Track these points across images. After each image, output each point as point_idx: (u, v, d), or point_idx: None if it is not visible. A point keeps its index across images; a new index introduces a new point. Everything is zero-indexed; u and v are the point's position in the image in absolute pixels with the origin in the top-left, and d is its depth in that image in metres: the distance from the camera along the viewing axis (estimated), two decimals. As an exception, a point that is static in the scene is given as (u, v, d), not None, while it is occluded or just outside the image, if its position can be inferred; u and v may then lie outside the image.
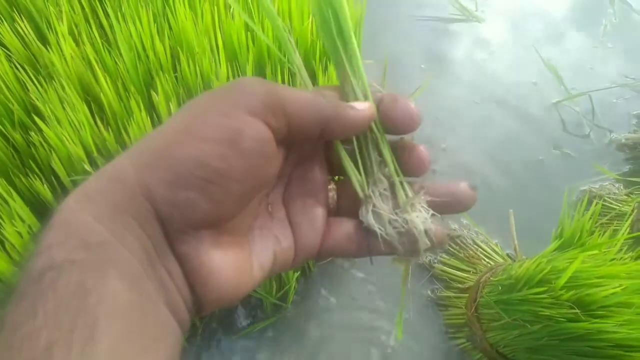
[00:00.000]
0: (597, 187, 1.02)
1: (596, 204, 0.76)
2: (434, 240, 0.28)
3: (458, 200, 0.29)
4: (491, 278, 0.79)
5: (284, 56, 0.31)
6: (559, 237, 0.72)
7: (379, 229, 0.28)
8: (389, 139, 0.30)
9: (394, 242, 0.29)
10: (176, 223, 0.23)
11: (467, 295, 0.82)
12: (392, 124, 0.29)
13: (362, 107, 0.28)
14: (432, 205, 0.29)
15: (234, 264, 0.25)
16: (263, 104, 0.24)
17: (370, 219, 0.28)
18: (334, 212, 0.31)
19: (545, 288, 0.63)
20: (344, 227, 0.30)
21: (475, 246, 0.90)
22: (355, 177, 0.29)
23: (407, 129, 0.29)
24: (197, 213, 0.23)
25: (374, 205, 0.29)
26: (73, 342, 0.19)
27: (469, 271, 0.87)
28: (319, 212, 0.29)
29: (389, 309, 0.87)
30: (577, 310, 0.60)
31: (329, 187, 0.31)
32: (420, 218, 0.28)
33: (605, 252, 0.67)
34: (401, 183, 0.30)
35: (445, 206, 0.29)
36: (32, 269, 0.20)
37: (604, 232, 0.77)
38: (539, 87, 1.22)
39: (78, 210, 0.22)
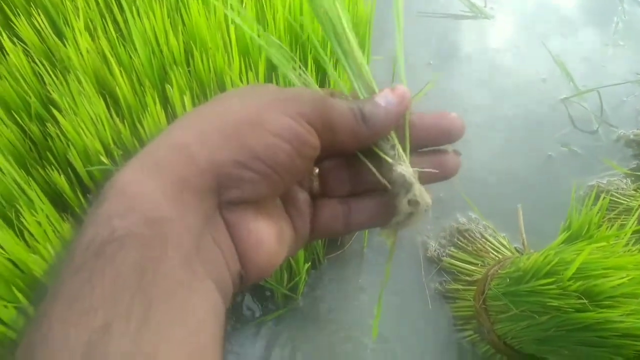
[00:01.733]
0: (605, 182, 1.02)
1: (604, 198, 0.77)
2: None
3: (448, 130, 0.31)
4: (499, 271, 0.80)
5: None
6: (567, 229, 0.72)
7: (409, 213, 0.29)
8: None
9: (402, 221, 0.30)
10: (230, 196, 0.25)
11: (475, 287, 0.83)
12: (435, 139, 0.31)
13: (395, 101, 0.29)
14: (423, 141, 0.31)
15: (274, 233, 0.27)
16: (320, 118, 0.26)
17: (405, 206, 0.29)
18: (317, 192, 0.32)
19: (553, 279, 0.64)
20: (330, 207, 0.32)
21: (483, 240, 0.91)
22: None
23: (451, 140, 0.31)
24: (255, 192, 0.25)
25: (413, 194, 0.29)
26: (129, 322, 0.19)
27: (476, 264, 0.88)
28: (302, 197, 0.31)
29: (398, 302, 0.88)
30: (585, 301, 0.61)
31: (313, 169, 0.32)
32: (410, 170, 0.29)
33: (612, 244, 0.68)
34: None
35: (436, 136, 0.31)
36: (90, 240, 0.21)
37: (612, 225, 0.78)
38: (548, 83, 1.23)
39: (142, 182, 0.23)
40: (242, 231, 0.26)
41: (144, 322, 0.19)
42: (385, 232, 0.31)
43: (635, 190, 0.99)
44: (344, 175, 0.32)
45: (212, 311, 0.23)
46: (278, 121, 0.25)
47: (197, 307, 0.22)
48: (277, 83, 0.80)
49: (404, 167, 0.29)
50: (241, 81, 0.77)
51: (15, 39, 0.79)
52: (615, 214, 0.93)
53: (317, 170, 0.32)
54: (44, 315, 0.19)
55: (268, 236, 0.27)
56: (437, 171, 0.31)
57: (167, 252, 0.21)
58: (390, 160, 0.29)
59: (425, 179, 0.30)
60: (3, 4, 0.86)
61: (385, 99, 0.29)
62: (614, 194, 0.97)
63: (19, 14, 0.81)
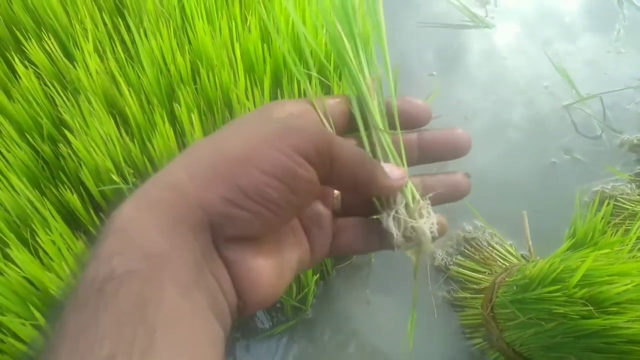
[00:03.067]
0: (610, 187, 1.03)
1: (608, 204, 0.77)
2: (438, 236, 0.32)
3: (455, 146, 0.33)
4: (506, 278, 0.80)
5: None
6: (572, 236, 0.73)
7: (396, 233, 0.31)
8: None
9: (403, 244, 0.32)
10: (227, 234, 0.26)
11: (482, 295, 0.84)
12: (405, 122, 0.33)
13: (396, 177, 0.31)
14: (431, 156, 0.33)
15: (274, 268, 0.28)
16: (316, 151, 0.26)
17: (390, 223, 0.31)
18: (339, 212, 0.33)
19: (559, 286, 0.64)
20: (351, 226, 0.33)
21: (490, 248, 0.92)
22: None
23: (420, 124, 0.34)
24: (249, 229, 0.26)
25: (396, 212, 0.31)
26: (133, 352, 0.20)
27: (484, 272, 0.88)
28: (325, 215, 0.32)
29: (406, 313, 0.89)
30: (591, 307, 0.61)
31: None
32: (427, 224, 0.31)
33: (617, 250, 0.69)
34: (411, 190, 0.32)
35: (444, 151, 0.33)
36: (93, 277, 0.22)
37: (617, 231, 0.78)
38: (550, 90, 1.24)
39: (139, 220, 0.24)
40: (239, 269, 0.26)
41: (148, 350, 0.20)
42: (404, 250, 0.33)
43: (639, 195, 0.99)
44: (362, 196, 0.33)
45: (212, 341, 0.24)
46: (268, 158, 0.25)
47: (199, 337, 0.23)
48: (282, 99, 0.81)
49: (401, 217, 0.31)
50: (247, 98, 0.79)
51: (26, 62, 0.82)
52: (620, 220, 0.93)
53: (337, 192, 0.33)
54: (52, 350, 0.20)
55: (267, 273, 0.27)
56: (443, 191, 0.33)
57: (166, 285, 0.22)
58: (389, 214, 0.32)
59: (436, 201, 0.32)
60: (14, 28, 0.88)
61: (389, 168, 0.31)
62: (619, 199, 0.97)
63: (29, 38, 0.84)
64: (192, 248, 0.24)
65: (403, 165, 0.33)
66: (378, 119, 0.33)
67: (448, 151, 0.33)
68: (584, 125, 1.17)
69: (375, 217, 0.33)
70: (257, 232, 0.26)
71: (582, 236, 0.72)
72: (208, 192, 0.25)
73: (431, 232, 0.31)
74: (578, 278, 0.62)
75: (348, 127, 0.34)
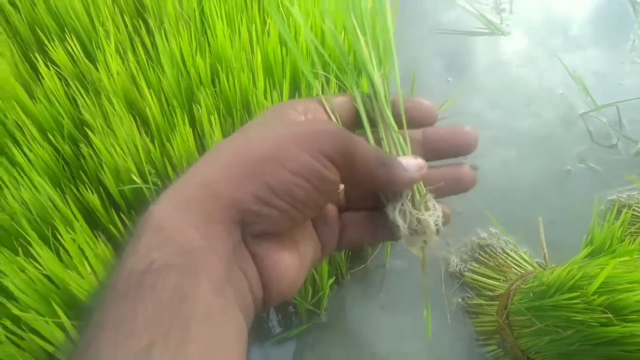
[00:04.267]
0: (625, 196, 1.03)
1: (626, 213, 0.77)
2: (442, 228, 0.32)
3: (461, 143, 0.33)
4: (522, 285, 0.80)
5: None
6: (590, 244, 0.73)
7: (402, 226, 0.31)
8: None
9: (408, 238, 0.32)
10: (255, 231, 0.27)
11: (497, 302, 0.84)
12: (411, 122, 0.34)
13: (415, 169, 0.31)
14: (438, 153, 0.33)
15: (296, 262, 0.29)
16: (340, 154, 0.27)
17: (397, 216, 0.32)
18: (342, 207, 0.34)
19: (577, 294, 0.64)
20: (356, 221, 0.34)
21: (504, 255, 0.92)
22: None
23: (426, 124, 0.34)
24: (276, 226, 0.27)
25: (402, 204, 0.32)
26: (169, 343, 0.21)
27: (499, 279, 0.88)
28: (332, 210, 0.33)
29: (419, 319, 0.89)
30: (610, 315, 0.61)
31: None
32: (433, 217, 0.31)
33: (636, 259, 0.68)
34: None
35: (449, 149, 0.33)
36: (131, 270, 0.23)
37: (634, 240, 0.78)
38: (565, 98, 1.23)
39: (176, 217, 0.25)
40: (266, 263, 0.27)
41: (183, 342, 0.21)
42: (410, 246, 0.33)
43: (656, 204, 0.99)
44: (368, 190, 0.34)
45: (239, 336, 0.24)
46: (297, 159, 0.26)
47: (229, 331, 0.24)
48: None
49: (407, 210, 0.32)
50: (266, 99, 0.79)
51: (49, 63, 0.83)
52: (636, 229, 0.93)
53: (342, 187, 0.34)
54: (92, 339, 0.21)
55: (291, 266, 0.29)
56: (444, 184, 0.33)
57: (201, 280, 0.23)
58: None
59: (441, 193, 0.33)
60: (38, 29, 0.89)
61: (406, 161, 0.31)
62: (635, 208, 0.97)
63: (52, 39, 0.85)
64: (225, 244, 0.25)
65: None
66: (389, 114, 0.33)
67: (454, 148, 0.34)
68: (599, 134, 1.17)
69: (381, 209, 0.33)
70: (283, 229, 0.28)
71: (599, 244, 0.72)
72: (240, 191, 0.26)
73: (436, 225, 0.31)
74: (597, 285, 0.62)
75: (354, 124, 0.35)
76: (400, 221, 0.31)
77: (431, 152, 0.34)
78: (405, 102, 0.34)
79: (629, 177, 1.05)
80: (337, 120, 0.33)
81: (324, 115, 0.33)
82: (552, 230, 0.96)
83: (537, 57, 1.33)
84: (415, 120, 0.34)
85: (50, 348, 0.58)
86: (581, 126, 1.18)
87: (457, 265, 0.93)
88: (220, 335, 0.23)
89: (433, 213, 0.32)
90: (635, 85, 1.27)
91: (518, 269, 0.89)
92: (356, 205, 0.34)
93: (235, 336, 0.24)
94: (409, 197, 0.32)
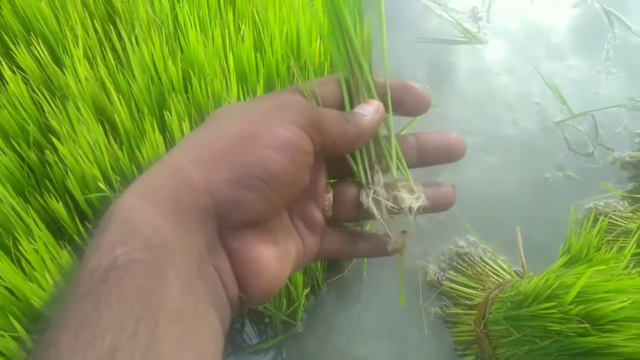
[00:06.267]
0: (602, 204, 1.03)
1: (602, 221, 0.77)
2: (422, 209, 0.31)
3: (451, 149, 0.33)
4: (499, 294, 0.79)
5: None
6: (567, 252, 0.72)
7: (377, 213, 0.31)
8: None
9: (387, 225, 0.31)
10: (231, 220, 0.25)
11: (475, 312, 0.82)
12: (403, 108, 0.32)
13: (370, 112, 0.30)
14: (428, 159, 0.33)
15: (277, 257, 0.28)
16: (310, 122, 0.27)
17: (370, 203, 0.31)
18: (330, 217, 0.33)
19: (554, 303, 0.63)
20: (338, 231, 0.33)
21: (482, 263, 0.91)
22: (358, 165, 0.32)
23: (418, 112, 0.33)
24: (253, 212, 0.25)
25: (374, 192, 0.31)
26: (136, 346, 0.19)
27: (477, 288, 0.87)
28: (318, 217, 0.32)
29: (396, 329, 0.87)
30: (587, 325, 0.60)
31: (328, 192, 0.33)
32: (410, 199, 0.31)
33: (612, 267, 0.68)
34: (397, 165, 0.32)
35: (440, 155, 0.33)
36: (95, 267, 0.21)
37: (611, 248, 0.78)
38: (541, 106, 1.24)
39: (142, 208, 0.23)
40: (244, 257, 0.26)
41: (151, 344, 0.19)
42: (393, 251, 0.33)
43: (632, 212, 0.99)
44: (354, 204, 0.33)
45: (213, 336, 0.23)
46: (270, 133, 0.26)
47: (201, 331, 0.22)
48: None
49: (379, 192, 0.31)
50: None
51: (14, 68, 0.80)
52: (613, 237, 0.93)
53: (331, 194, 0.33)
54: (51, 344, 0.19)
55: (271, 261, 0.27)
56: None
57: (170, 277, 0.21)
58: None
59: (423, 212, 0.32)
60: (3, 33, 0.87)
61: (362, 109, 0.31)
62: (612, 216, 0.97)
63: (18, 43, 0.82)
64: (197, 238, 0.24)
65: (403, 167, 0.32)
66: (362, 62, 0.32)
67: (444, 155, 0.33)
68: (576, 142, 1.17)
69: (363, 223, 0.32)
70: (260, 215, 0.26)
71: (576, 252, 0.72)
72: (213, 174, 0.24)
73: (414, 206, 0.31)
74: (574, 295, 0.61)
75: (339, 106, 0.33)
76: (374, 208, 0.31)
77: (424, 158, 0.33)
78: (396, 84, 0.32)
79: (605, 185, 1.05)
80: (318, 101, 0.31)
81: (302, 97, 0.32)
82: (530, 238, 0.96)
83: (514, 66, 1.34)
84: (406, 106, 0.33)
85: (8, 365, 0.56)
86: (558, 134, 1.19)
87: (435, 274, 0.92)
88: (192, 336, 0.21)
89: (411, 197, 0.31)
90: (612, 93, 1.27)
91: (496, 277, 0.88)
92: (343, 217, 0.33)
93: (208, 337, 0.22)
94: (382, 183, 0.31)
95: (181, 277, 0.22)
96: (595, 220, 0.91)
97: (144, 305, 0.20)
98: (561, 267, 0.70)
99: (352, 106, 0.32)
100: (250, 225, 0.26)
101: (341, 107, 0.32)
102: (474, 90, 1.28)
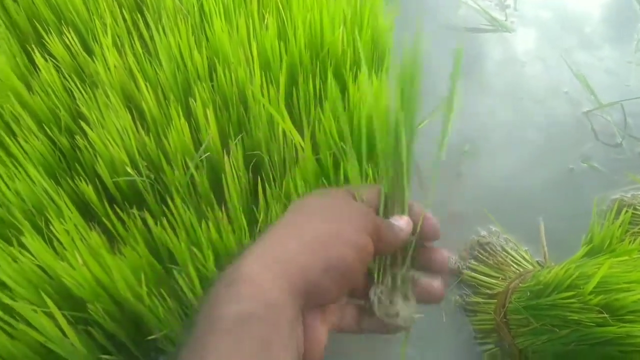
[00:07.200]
0: (629, 196, 1.01)
1: (626, 212, 0.76)
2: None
3: (429, 293, 0.40)
4: (520, 284, 0.79)
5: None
6: (589, 243, 0.72)
7: (376, 303, 0.38)
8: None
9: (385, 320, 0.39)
10: (312, 301, 0.32)
11: (495, 301, 0.83)
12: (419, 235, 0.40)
13: (403, 225, 0.39)
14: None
15: (327, 335, 0.35)
16: (374, 229, 0.36)
17: (375, 304, 0.38)
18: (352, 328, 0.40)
19: (574, 293, 0.63)
20: (351, 309, 0.40)
21: (504, 253, 0.91)
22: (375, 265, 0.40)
23: (430, 239, 0.41)
24: (330, 296, 0.33)
25: (379, 298, 0.39)
26: None
27: (497, 277, 0.87)
28: (321, 331, 0.36)
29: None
30: (606, 315, 0.60)
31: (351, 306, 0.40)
32: (409, 309, 0.39)
33: (635, 258, 0.67)
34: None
35: (421, 296, 0.40)
36: (228, 314, 0.28)
37: (634, 240, 0.77)
38: (570, 96, 1.22)
39: (264, 274, 0.30)
40: (312, 332, 0.33)
41: None
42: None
43: (660, 204, 0.97)
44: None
45: None
46: (349, 235, 0.34)
47: None
48: (297, 97, 0.81)
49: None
50: (262, 95, 0.79)
51: (47, 56, 0.83)
52: (639, 229, 0.91)
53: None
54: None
55: (325, 338, 0.34)
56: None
57: (279, 332, 0.28)
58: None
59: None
60: (35, 22, 0.89)
61: (396, 220, 0.39)
62: (638, 207, 0.95)
63: (50, 32, 0.85)
64: (295, 308, 0.31)
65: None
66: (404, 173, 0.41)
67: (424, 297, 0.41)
68: (604, 134, 1.15)
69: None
70: (332, 299, 0.34)
71: (599, 243, 0.71)
72: (311, 261, 0.32)
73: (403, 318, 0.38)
74: (594, 285, 0.61)
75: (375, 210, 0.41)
76: (375, 299, 0.38)
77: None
78: (425, 251, 0.41)
79: (632, 176, 1.03)
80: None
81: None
82: (553, 229, 0.95)
83: (541, 54, 1.32)
84: (430, 268, 0.41)
85: (40, 338, 0.58)
86: (586, 125, 1.17)
87: (455, 263, 0.92)
88: None
89: (406, 306, 0.39)
90: (641, 83, 1.25)
91: (517, 267, 0.88)
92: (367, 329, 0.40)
93: None
94: (389, 282, 0.39)
95: (284, 333, 0.29)
96: (620, 211, 0.90)
97: (261, 351, 0.27)
98: (583, 257, 0.70)
99: (385, 214, 0.40)
100: (320, 307, 0.34)
101: (376, 212, 0.40)
102: (501, 79, 1.26)
